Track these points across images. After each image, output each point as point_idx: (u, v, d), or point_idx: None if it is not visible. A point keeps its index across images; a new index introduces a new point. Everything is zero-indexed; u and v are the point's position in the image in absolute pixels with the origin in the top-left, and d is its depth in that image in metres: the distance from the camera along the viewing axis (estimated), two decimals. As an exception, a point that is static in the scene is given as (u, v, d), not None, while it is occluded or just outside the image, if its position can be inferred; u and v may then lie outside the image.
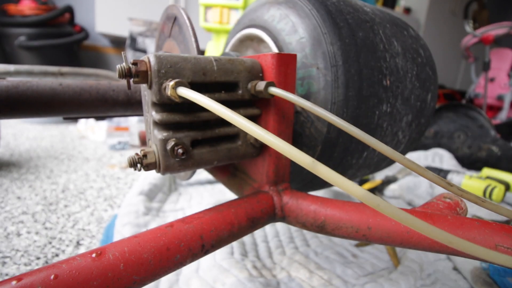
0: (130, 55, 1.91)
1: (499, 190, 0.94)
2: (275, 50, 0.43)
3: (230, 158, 0.35)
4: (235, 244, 0.59)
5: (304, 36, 0.40)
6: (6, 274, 0.50)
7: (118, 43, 2.45)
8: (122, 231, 0.59)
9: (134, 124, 1.49)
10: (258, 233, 0.65)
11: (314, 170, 0.19)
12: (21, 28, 1.77)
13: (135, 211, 0.66)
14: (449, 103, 1.49)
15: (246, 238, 0.62)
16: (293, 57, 0.35)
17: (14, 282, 0.20)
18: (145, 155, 0.31)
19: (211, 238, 0.30)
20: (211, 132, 0.34)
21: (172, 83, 0.27)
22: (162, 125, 0.31)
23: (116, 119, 1.54)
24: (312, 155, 0.42)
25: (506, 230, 0.24)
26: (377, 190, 0.94)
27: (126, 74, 0.27)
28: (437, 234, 0.17)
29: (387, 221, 0.29)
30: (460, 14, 3.23)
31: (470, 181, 1.00)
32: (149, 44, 1.95)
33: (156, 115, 0.30)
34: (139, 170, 0.31)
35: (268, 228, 0.67)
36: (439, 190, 0.96)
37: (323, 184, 0.48)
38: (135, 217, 0.64)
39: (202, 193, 0.86)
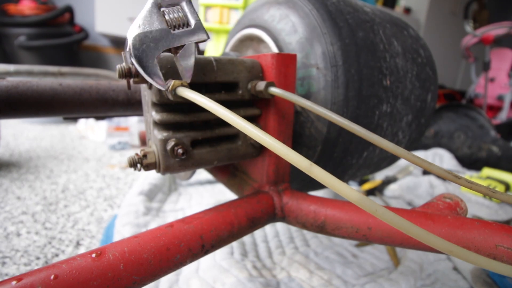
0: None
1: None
2: (275, 50, 0.43)
3: (230, 158, 0.35)
4: (235, 244, 0.59)
5: (304, 36, 0.40)
6: (6, 274, 0.50)
7: (118, 43, 2.45)
8: (122, 231, 0.59)
9: (134, 124, 1.49)
10: (258, 233, 0.65)
11: (310, 173, 0.19)
12: (21, 28, 1.77)
13: (135, 211, 0.66)
14: (449, 103, 1.49)
15: (246, 238, 0.62)
16: (293, 57, 0.35)
17: (14, 282, 0.20)
18: (145, 155, 0.31)
19: (211, 238, 0.30)
20: (211, 132, 0.34)
21: (172, 83, 0.27)
22: (162, 125, 0.31)
23: (116, 119, 1.54)
24: (312, 155, 0.42)
25: (506, 230, 0.24)
26: (377, 190, 0.94)
27: (126, 74, 0.27)
28: (437, 243, 0.17)
29: (387, 221, 0.29)
30: (460, 14, 3.23)
31: (470, 181, 1.00)
32: (149, 44, 1.94)
33: (156, 115, 0.30)
34: (139, 170, 0.31)
35: (268, 228, 0.67)
36: (440, 190, 0.96)
37: (323, 184, 0.48)
38: (135, 217, 0.64)
39: (202, 193, 0.86)
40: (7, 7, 1.79)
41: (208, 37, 0.27)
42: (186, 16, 0.27)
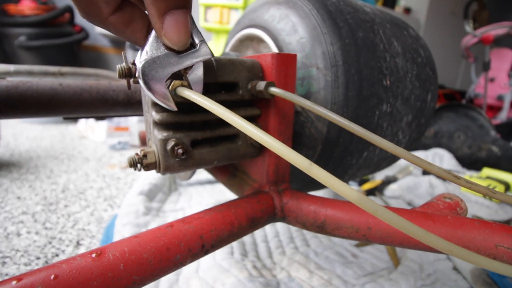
0: (130, 55, 1.90)
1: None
2: (275, 50, 0.43)
3: (230, 158, 0.35)
4: (235, 244, 0.59)
5: (304, 36, 0.40)
6: (6, 274, 0.50)
7: (118, 43, 2.45)
8: (122, 231, 0.59)
9: (134, 124, 1.49)
10: (258, 233, 0.65)
11: (310, 173, 0.19)
12: (21, 28, 1.77)
13: (135, 211, 0.66)
14: (449, 103, 1.49)
15: (246, 238, 0.62)
16: (293, 57, 0.35)
17: (14, 282, 0.20)
18: (145, 155, 0.31)
19: (211, 238, 0.30)
20: (211, 132, 0.34)
21: (172, 83, 0.27)
22: (162, 125, 0.31)
23: (116, 119, 1.54)
24: (312, 155, 0.42)
25: (506, 230, 0.24)
26: (377, 190, 0.94)
27: (126, 74, 0.27)
28: (437, 243, 0.17)
29: (387, 221, 0.29)
30: (460, 14, 3.23)
31: (470, 181, 1.00)
32: (149, 44, 1.94)
33: (156, 115, 0.30)
34: (139, 170, 0.31)
35: (268, 228, 0.67)
36: (440, 190, 0.96)
37: (323, 184, 0.48)
38: (135, 217, 0.64)
39: (202, 193, 0.86)
40: (7, 7, 1.79)
41: (213, 55, 0.28)
42: (191, 39, 0.27)
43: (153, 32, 0.26)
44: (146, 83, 0.26)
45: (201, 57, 0.28)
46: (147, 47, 0.26)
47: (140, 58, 0.26)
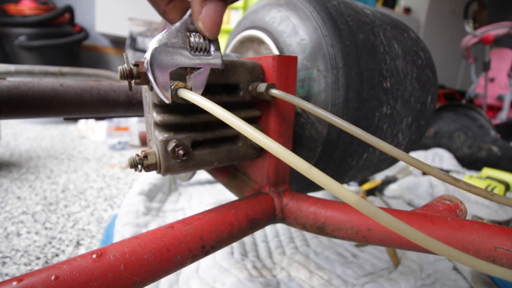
0: (130, 55, 1.91)
1: (499, 190, 0.94)
2: (275, 52, 0.43)
3: (230, 159, 0.35)
4: (235, 244, 0.59)
5: (304, 38, 0.40)
6: (6, 274, 0.50)
7: (118, 43, 2.45)
8: (122, 231, 0.59)
9: (134, 124, 1.49)
10: (258, 233, 0.65)
11: (309, 176, 0.19)
12: (21, 28, 1.77)
13: (135, 211, 0.66)
14: (449, 103, 1.49)
15: (246, 238, 0.62)
16: (293, 59, 0.35)
17: (15, 283, 0.20)
18: (145, 156, 0.31)
19: (211, 239, 0.30)
20: (212, 134, 0.34)
21: (173, 85, 0.27)
22: (163, 126, 0.31)
23: (116, 119, 1.54)
24: (312, 157, 0.42)
25: (506, 232, 0.24)
26: (377, 190, 0.94)
27: (127, 75, 0.27)
28: (436, 246, 0.17)
29: (387, 223, 0.29)
30: (460, 14, 3.23)
31: (470, 181, 1.00)
32: (149, 44, 1.94)
33: (157, 116, 0.30)
34: (140, 171, 0.31)
35: (268, 228, 0.67)
36: (439, 190, 0.96)
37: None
38: (135, 217, 0.64)
39: (202, 193, 0.86)
40: (7, 7, 1.79)
41: (223, 67, 0.29)
42: (208, 44, 0.29)
43: (178, 23, 0.27)
44: (151, 67, 0.26)
45: (211, 64, 0.29)
46: (165, 34, 0.26)
47: (154, 41, 0.26)
